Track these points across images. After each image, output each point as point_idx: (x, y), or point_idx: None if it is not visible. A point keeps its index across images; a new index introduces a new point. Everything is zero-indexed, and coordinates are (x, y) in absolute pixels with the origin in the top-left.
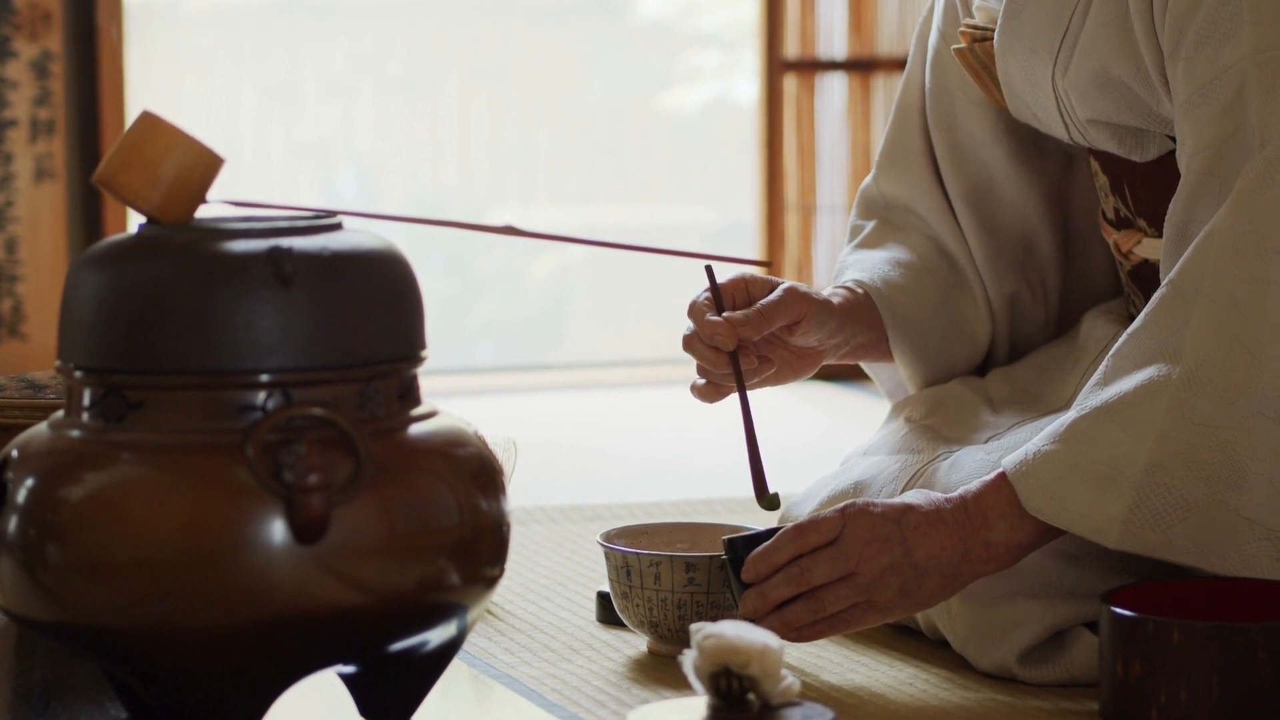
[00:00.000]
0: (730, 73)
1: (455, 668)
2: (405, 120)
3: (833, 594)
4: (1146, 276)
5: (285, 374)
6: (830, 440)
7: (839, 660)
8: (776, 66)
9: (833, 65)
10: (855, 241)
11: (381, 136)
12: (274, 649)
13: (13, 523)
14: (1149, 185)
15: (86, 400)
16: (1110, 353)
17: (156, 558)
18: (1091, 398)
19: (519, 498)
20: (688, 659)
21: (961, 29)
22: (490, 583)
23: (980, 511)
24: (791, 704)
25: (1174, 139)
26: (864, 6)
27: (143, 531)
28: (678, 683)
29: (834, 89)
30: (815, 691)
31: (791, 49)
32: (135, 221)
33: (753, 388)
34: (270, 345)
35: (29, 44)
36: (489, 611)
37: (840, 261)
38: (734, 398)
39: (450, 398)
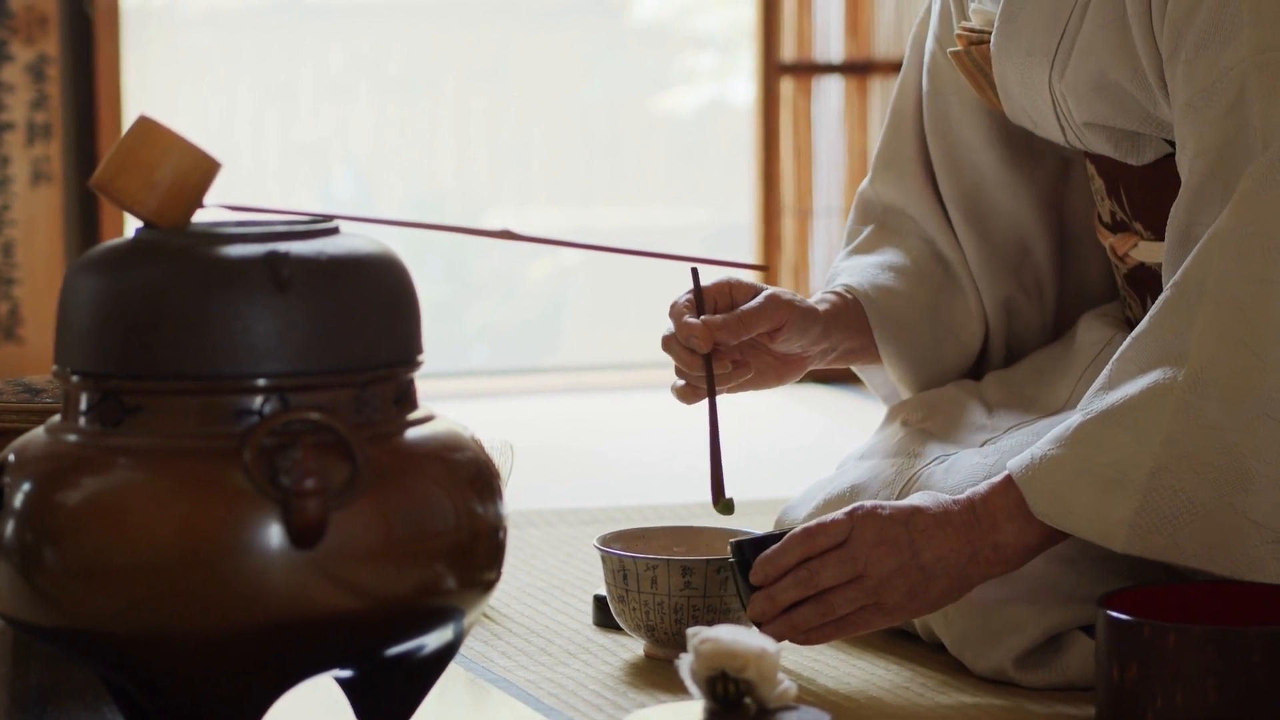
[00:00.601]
0: (727, 75)
1: (452, 671)
2: (402, 122)
3: (841, 596)
4: (1143, 280)
5: (282, 379)
6: (826, 443)
7: (835, 664)
8: (773, 69)
9: (829, 68)
10: (850, 247)
11: (378, 138)
12: (271, 653)
13: (9, 527)
14: (1145, 189)
15: (83, 405)
16: (1114, 357)
17: (153, 562)
18: (1096, 401)
19: (515, 501)
20: (684, 663)
21: (958, 32)
22: (487, 587)
23: (989, 513)
24: (788, 708)
25: (1171, 142)
26: (860, 9)
27: (139, 536)
28: (674, 686)
29: (830, 91)
30: (812, 695)
31: (788, 51)
32: (132, 225)
33: (730, 391)
34: (267, 350)
35: (25, 47)
36: (486, 615)
37: (833, 267)
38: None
39: (446, 401)
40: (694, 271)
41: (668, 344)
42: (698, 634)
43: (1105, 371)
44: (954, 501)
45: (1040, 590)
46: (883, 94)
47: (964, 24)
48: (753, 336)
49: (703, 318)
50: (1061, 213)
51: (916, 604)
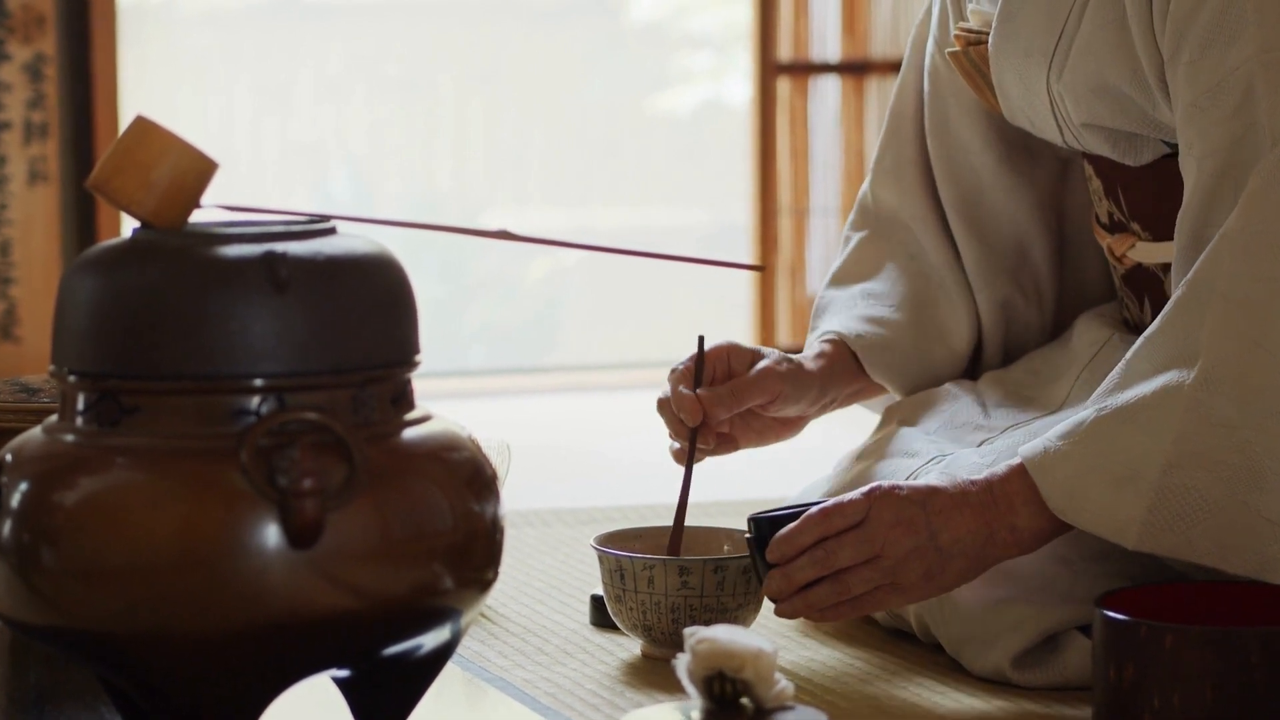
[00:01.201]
0: (723, 75)
1: (449, 671)
2: (400, 122)
3: (857, 576)
4: (1140, 280)
5: (279, 379)
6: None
7: (833, 664)
8: (770, 69)
9: (826, 68)
10: (837, 265)
11: (376, 138)
12: (268, 653)
13: (7, 527)
14: (1143, 189)
15: (81, 405)
16: (1127, 356)
17: (151, 563)
18: (1109, 399)
19: (513, 501)
20: (681, 663)
21: (956, 32)
22: (484, 587)
23: (1006, 496)
24: (785, 708)
25: (1169, 143)
26: (857, 9)
27: (137, 536)
28: (671, 686)
29: (827, 91)
30: (809, 695)
31: (785, 51)
32: (129, 225)
33: (716, 454)
34: (264, 350)
35: (23, 47)
36: (483, 615)
37: (819, 299)
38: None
39: (444, 401)
40: (700, 340)
41: (662, 407)
42: (695, 634)
43: (1117, 370)
44: (971, 482)
45: (1038, 590)
46: (879, 94)
47: (962, 24)
48: (748, 407)
49: (698, 390)
50: (1059, 214)
51: (933, 584)
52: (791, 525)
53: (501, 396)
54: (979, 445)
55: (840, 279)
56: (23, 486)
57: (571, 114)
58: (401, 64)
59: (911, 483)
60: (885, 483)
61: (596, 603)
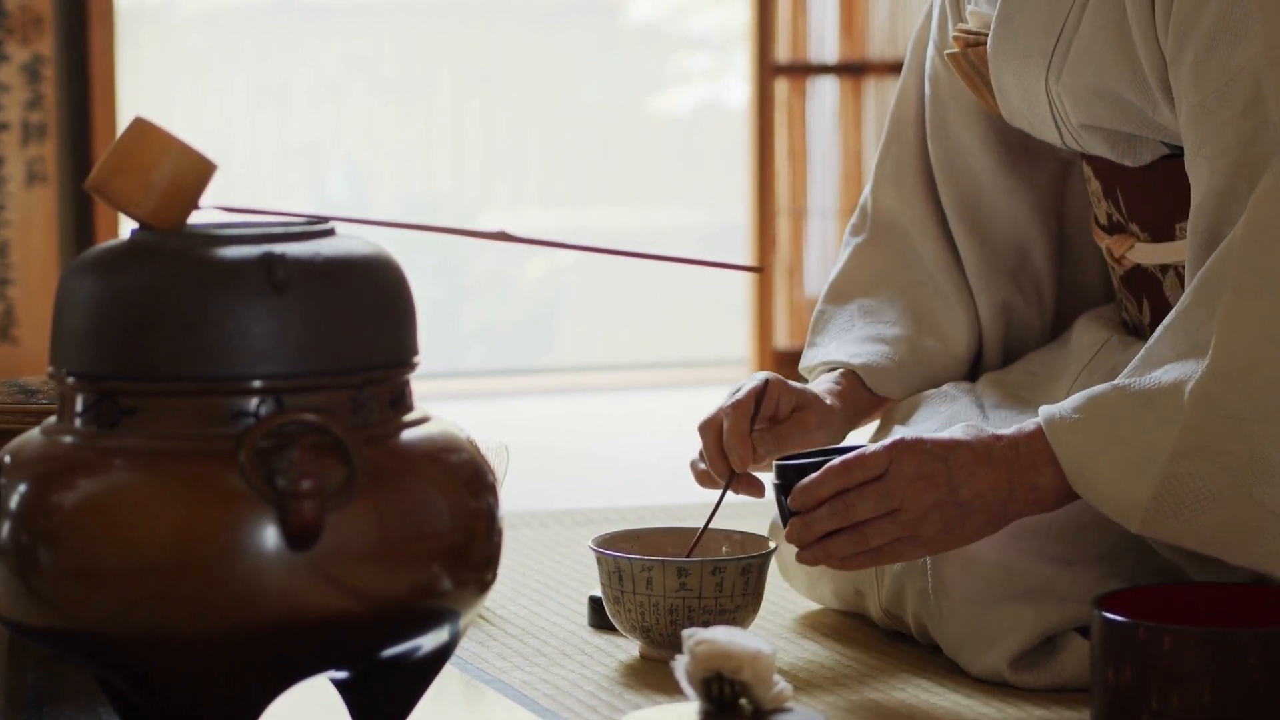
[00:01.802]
0: (721, 76)
1: (447, 673)
2: (398, 122)
3: (876, 529)
4: (1139, 281)
5: (278, 380)
6: None
7: (831, 665)
8: (768, 70)
9: (824, 69)
10: (835, 275)
11: (374, 139)
12: (267, 655)
13: (5, 528)
14: (1141, 190)
15: (79, 406)
16: (1145, 346)
17: (149, 564)
18: (1129, 380)
19: (511, 502)
20: (680, 664)
21: (955, 34)
22: (483, 588)
23: (1031, 454)
24: (783, 709)
25: (1168, 145)
26: (855, 10)
27: (135, 537)
28: (670, 688)
29: (825, 92)
30: (807, 696)
31: (783, 52)
32: (127, 225)
33: (738, 493)
34: (263, 351)
35: (21, 48)
36: (481, 616)
37: (817, 312)
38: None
39: (441, 401)
40: (766, 382)
41: (706, 430)
42: (693, 635)
43: (1142, 351)
44: (996, 437)
45: (1035, 591)
46: (877, 95)
47: (960, 26)
48: None
49: (755, 431)
50: (1059, 216)
51: (953, 538)
52: (813, 476)
53: (499, 397)
54: None
55: (837, 291)
56: (21, 488)
57: (569, 114)
58: (399, 65)
59: (935, 436)
60: (908, 435)
61: (595, 604)
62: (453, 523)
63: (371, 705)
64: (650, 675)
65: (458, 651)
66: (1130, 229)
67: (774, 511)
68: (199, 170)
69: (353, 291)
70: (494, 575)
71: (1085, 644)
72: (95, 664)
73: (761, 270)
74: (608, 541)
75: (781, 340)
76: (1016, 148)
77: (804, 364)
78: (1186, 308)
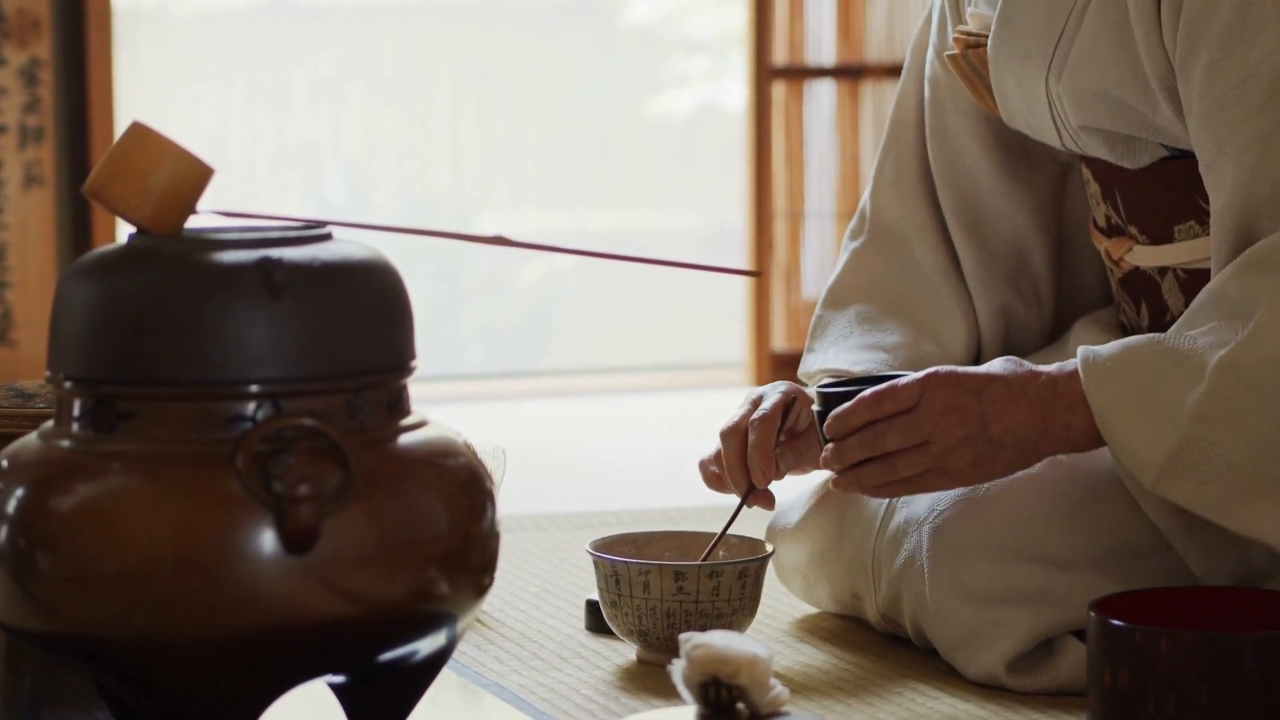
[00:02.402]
0: (719, 78)
1: (445, 676)
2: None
3: (905, 460)
4: (1137, 284)
5: (275, 384)
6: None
7: (827, 668)
8: (765, 73)
9: (821, 72)
10: (833, 279)
11: (371, 141)
12: (264, 659)
13: (3, 533)
14: (1140, 193)
15: (77, 410)
16: (1196, 300)
17: (147, 568)
18: (1168, 335)
19: (508, 505)
20: (677, 668)
21: (955, 35)
22: (480, 592)
23: (1067, 394)
24: (780, 713)
25: (1168, 147)
26: (852, 13)
27: (133, 542)
28: (667, 691)
29: (822, 95)
30: (804, 700)
31: (780, 55)
32: (125, 228)
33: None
34: (260, 356)
35: (18, 51)
36: (478, 620)
37: (816, 317)
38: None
39: (439, 404)
40: (794, 398)
41: (729, 438)
42: (690, 639)
43: (1188, 310)
44: (1034, 374)
45: (1032, 594)
46: (874, 98)
47: (960, 28)
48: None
49: (779, 446)
50: (1058, 219)
51: (983, 472)
52: (846, 405)
53: (497, 400)
54: None
55: (836, 296)
56: (19, 492)
57: (567, 117)
58: (397, 67)
59: (971, 369)
60: (944, 368)
61: (592, 608)
62: (450, 527)
63: (369, 709)
64: (647, 679)
65: (455, 655)
66: (1129, 231)
67: (770, 515)
68: (196, 175)
69: (350, 296)
70: (491, 579)
71: (1082, 647)
72: (93, 668)
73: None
74: (605, 545)
75: (779, 343)
76: (1015, 151)
77: (803, 369)
78: (1236, 275)
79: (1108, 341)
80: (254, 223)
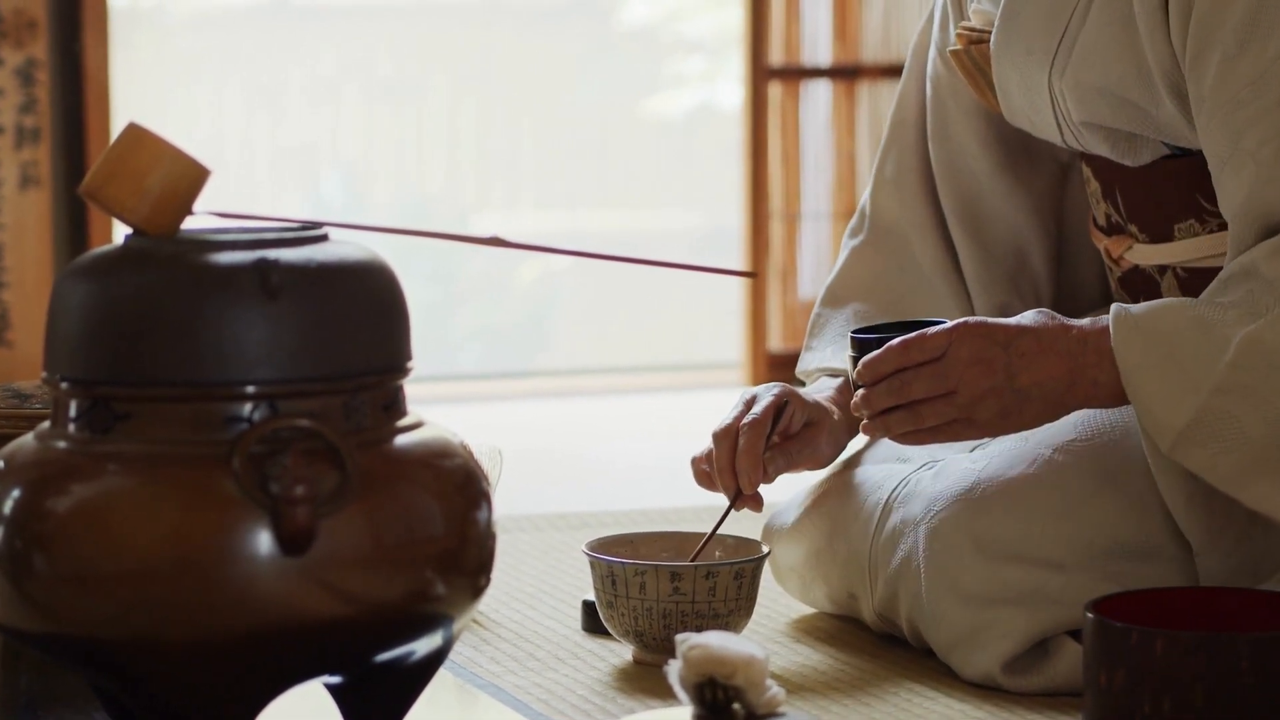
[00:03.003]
0: (715, 79)
1: (441, 677)
2: (392, 125)
3: (931, 409)
4: (1137, 283)
5: (271, 386)
6: None
7: (824, 669)
8: (761, 73)
9: (818, 72)
10: (832, 278)
11: (368, 141)
12: (260, 660)
13: None
14: (1141, 191)
15: (73, 411)
16: (1230, 269)
17: (143, 569)
18: (1201, 301)
19: (504, 506)
20: (673, 669)
21: (958, 31)
22: (476, 593)
23: (1097, 350)
24: (776, 714)
25: (1169, 145)
26: (848, 13)
27: (129, 543)
28: (663, 692)
29: (819, 96)
30: (800, 701)
31: (776, 56)
32: (121, 229)
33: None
34: (257, 357)
35: (14, 51)
36: (475, 621)
37: (814, 315)
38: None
39: (435, 405)
40: (785, 402)
41: (720, 440)
42: (686, 640)
43: (1214, 284)
44: (1065, 328)
45: (1028, 595)
46: (871, 99)
47: (964, 23)
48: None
49: (768, 451)
50: (1058, 219)
51: (1010, 423)
52: (876, 353)
53: (493, 400)
54: (971, 451)
55: (835, 294)
56: (15, 493)
57: (563, 117)
58: (393, 67)
59: (1001, 321)
60: (975, 318)
61: (588, 608)
62: (446, 527)
63: (365, 710)
64: (643, 680)
65: (451, 656)
66: (1129, 230)
67: (766, 515)
68: (193, 176)
69: (346, 297)
70: (487, 580)
71: (1078, 648)
72: (89, 669)
73: (754, 276)
74: (601, 546)
75: (775, 343)
76: (1016, 150)
77: (801, 368)
78: (1269, 257)
79: None
80: (250, 224)
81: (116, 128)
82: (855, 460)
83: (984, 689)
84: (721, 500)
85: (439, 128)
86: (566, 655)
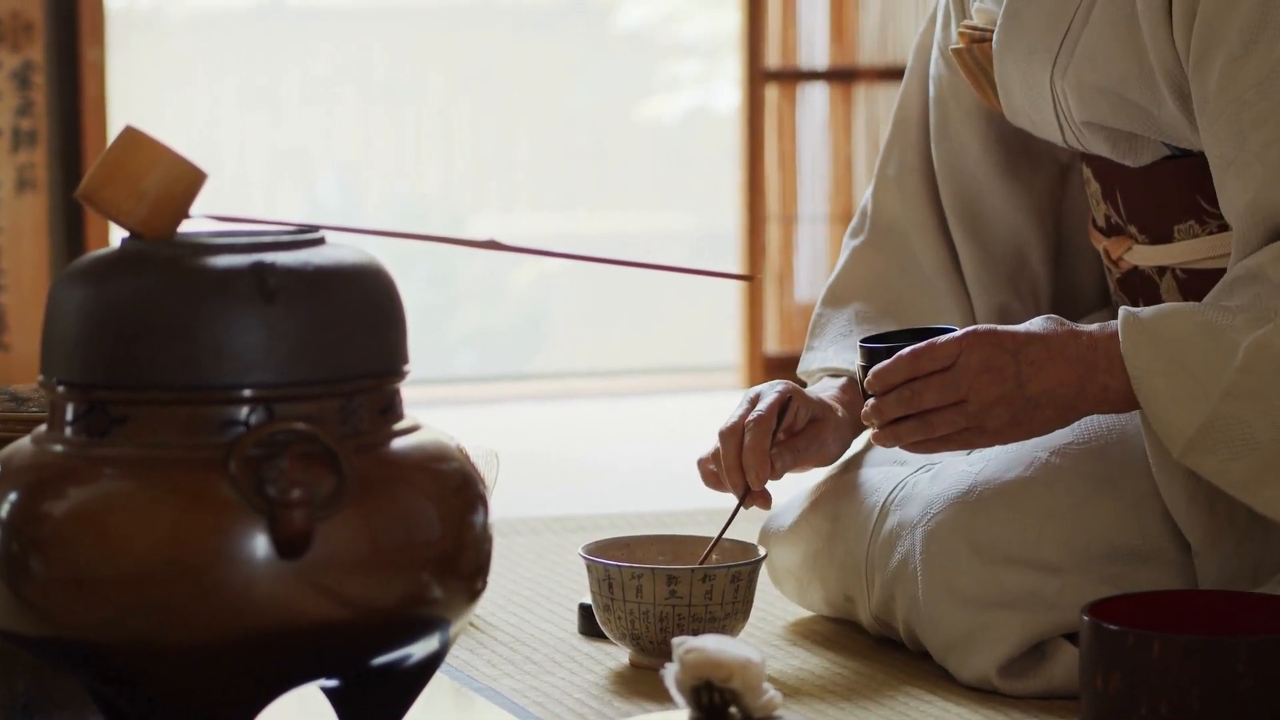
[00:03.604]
0: (711, 82)
1: (437, 680)
2: (388, 128)
3: (942, 418)
4: (1136, 284)
5: (268, 389)
6: None
7: (820, 672)
8: (758, 76)
9: (814, 75)
10: (834, 277)
11: (364, 144)
12: (257, 663)
13: None
14: (1141, 192)
15: (70, 415)
16: (1237, 272)
17: (140, 573)
18: (1211, 305)
19: (501, 509)
20: (669, 672)
21: (960, 29)
22: (473, 596)
23: (1107, 355)
24: (773, 717)
25: (1169, 145)
26: (845, 16)
27: (126, 546)
28: (659, 695)
29: (815, 99)
30: (796, 704)
31: (773, 58)
32: (118, 232)
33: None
34: (253, 360)
35: (11, 55)
36: (471, 624)
37: (815, 315)
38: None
39: (432, 407)
40: (789, 398)
41: (727, 438)
42: (683, 643)
43: (1219, 288)
44: (1075, 334)
45: (1025, 598)
46: (867, 101)
47: (966, 22)
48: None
49: (774, 448)
50: (1058, 220)
51: (1020, 430)
52: (886, 362)
53: (490, 403)
54: (968, 453)
55: (836, 294)
56: (12, 496)
57: (560, 120)
58: (390, 69)
59: (1011, 328)
60: (984, 326)
61: (585, 611)
62: (442, 531)
63: (362, 713)
64: (640, 683)
65: (448, 659)
66: (1128, 231)
67: (764, 518)
68: (189, 179)
69: (343, 300)
70: (484, 583)
71: (1074, 651)
72: (86, 672)
73: (752, 279)
74: (598, 549)
75: (772, 346)
76: (1017, 151)
77: (803, 368)
78: (1275, 260)
79: None
80: (247, 227)
81: (113, 131)
82: (853, 463)
83: (980, 692)
84: (725, 502)
85: (435, 130)
86: (563, 658)
